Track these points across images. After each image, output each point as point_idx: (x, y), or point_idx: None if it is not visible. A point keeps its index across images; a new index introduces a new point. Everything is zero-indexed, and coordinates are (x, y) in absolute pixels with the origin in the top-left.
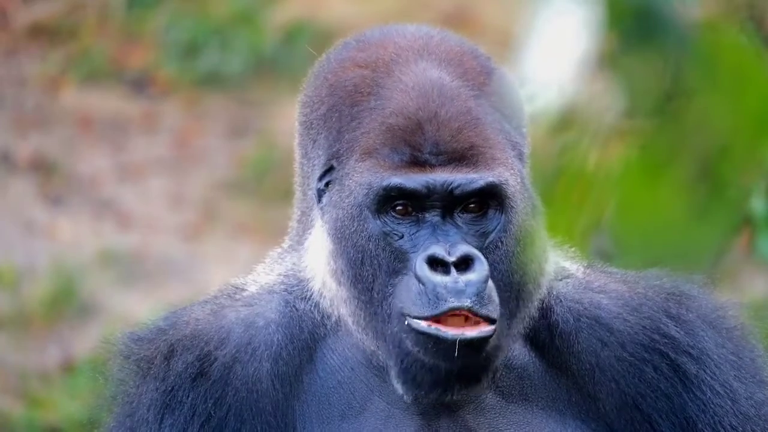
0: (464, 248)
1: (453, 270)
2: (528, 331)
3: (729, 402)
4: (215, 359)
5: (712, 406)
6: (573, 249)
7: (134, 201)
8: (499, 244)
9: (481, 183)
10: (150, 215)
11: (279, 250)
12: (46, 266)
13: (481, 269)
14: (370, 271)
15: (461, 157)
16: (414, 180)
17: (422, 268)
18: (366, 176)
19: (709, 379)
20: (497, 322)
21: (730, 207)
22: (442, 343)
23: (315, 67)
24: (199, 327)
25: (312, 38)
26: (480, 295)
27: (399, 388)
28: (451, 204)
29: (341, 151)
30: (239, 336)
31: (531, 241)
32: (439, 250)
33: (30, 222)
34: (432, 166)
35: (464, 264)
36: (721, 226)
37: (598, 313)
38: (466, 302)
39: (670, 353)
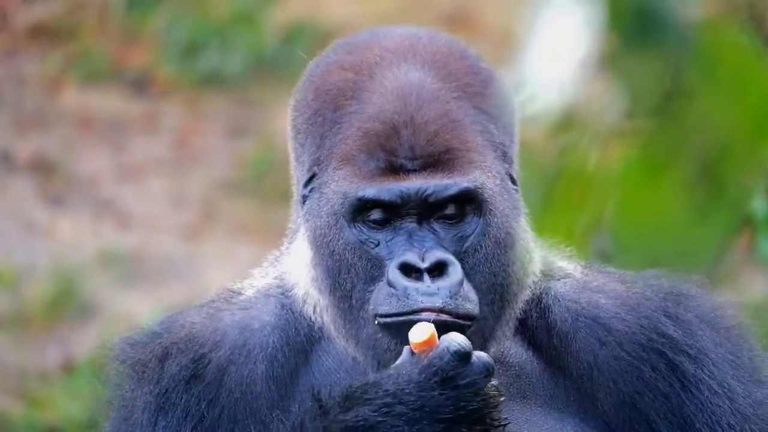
0: (438, 254)
1: (426, 276)
2: (526, 330)
3: (727, 401)
4: (209, 361)
5: (710, 405)
6: (571, 249)
7: (134, 201)
8: (478, 247)
9: (455, 189)
10: (150, 215)
11: (277, 252)
12: (46, 266)
13: (454, 274)
14: (348, 279)
15: (437, 162)
16: (388, 190)
17: (394, 274)
18: (342, 185)
19: (706, 378)
20: (477, 320)
21: (731, 207)
22: (396, 330)
23: (306, 69)
24: (194, 330)
25: (312, 38)
26: (453, 297)
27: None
28: (428, 210)
29: (322, 158)
30: (234, 338)
31: (512, 242)
32: (412, 257)
33: (30, 222)
34: (407, 172)
35: (437, 270)
36: (721, 227)
37: (596, 312)
38: (438, 302)
39: (668, 353)
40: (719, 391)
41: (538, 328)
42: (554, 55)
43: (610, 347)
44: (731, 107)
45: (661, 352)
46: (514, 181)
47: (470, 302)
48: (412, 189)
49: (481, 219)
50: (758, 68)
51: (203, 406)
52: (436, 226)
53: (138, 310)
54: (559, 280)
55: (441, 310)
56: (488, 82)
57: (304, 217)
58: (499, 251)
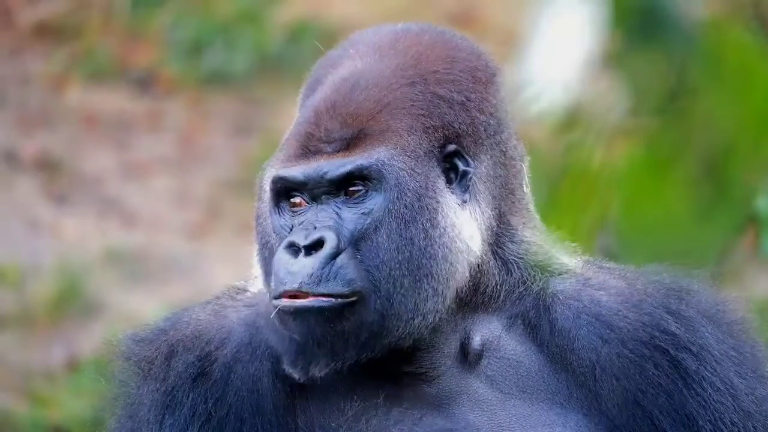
0: (318, 233)
1: (302, 254)
2: (525, 326)
3: (729, 398)
4: (216, 359)
5: (713, 402)
6: (573, 245)
7: (139, 200)
8: (379, 224)
9: (349, 167)
10: (154, 214)
11: None
12: (50, 265)
13: (324, 252)
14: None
15: (349, 144)
16: (294, 170)
17: (277, 254)
18: (269, 170)
19: (709, 375)
20: (354, 297)
21: (735, 206)
22: (285, 315)
23: None
24: (200, 327)
25: (316, 37)
26: (315, 275)
27: (288, 370)
28: (335, 189)
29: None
30: (240, 336)
31: (423, 219)
32: (298, 237)
33: (35, 221)
34: (323, 155)
35: (315, 247)
36: (726, 225)
37: (598, 310)
38: (295, 285)
39: (670, 350)
40: (722, 387)
41: (539, 325)
42: (558, 53)
43: (612, 345)
44: (736, 106)
45: (664, 350)
46: (466, 163)
47: (339, 279)
48: (312, 168)
49: (382, 195)
50: (763, 67)
51: (210, 405)
52: (341, 204)
53: (142, 308)
54: (559, 275)
55: (299, 291)
56: (464, 70)
57: None
58: (402, 226)
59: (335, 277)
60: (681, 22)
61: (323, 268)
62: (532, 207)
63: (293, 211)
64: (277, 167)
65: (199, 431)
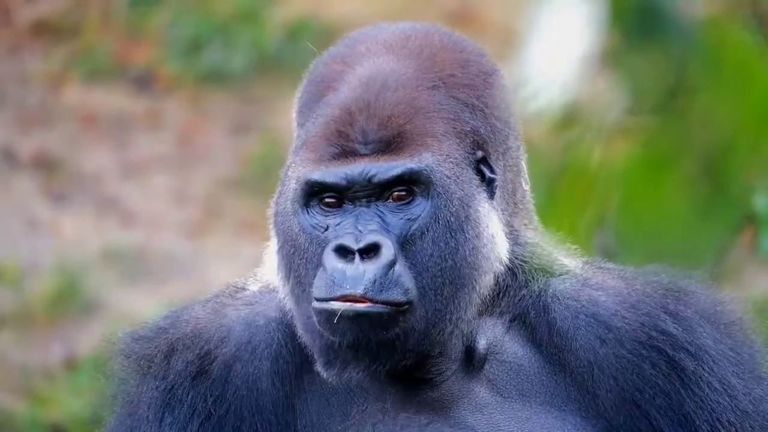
0: (372, 237)
1: (357, 258)
2: (524, 327)
3: (727, 398)
4: (215, 358)
5: (710, 402)
6: (572, 245)
7: (138, 198)
8: (426, 230)
9: (398, 170)
10: (153, 212)
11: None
12: (49, 263)
13: (384, 256)
14: (301, 264)
15: (388, 146)
16: (334, 174)
17: (328, 257)
18: (297, 170)
19: (706, 375)
20: (411, 304)
21: (734, 204)
22: (336, 318)
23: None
24: (200, 326)
25: (315, 36)
26: (378, 282)
27: (320, 371)
28: (377, 193)
29: (297, 147)
30: (239, 334)
31: (466, 227)
32: (348, 240)
33: (33, 219)
34: (360, 156)
35: (369, 252)
36: (724, 224)
37: (596, 310)
38: (359, 289)
39: (668, 350)
40: (719, 388)
41: (538, 325)
42: (557, 51)
43: (610, 345)
44: (734, 104)
45: (661, 350)
46: (491, 170)
47: (398, 287)
48: (356, 171)
49: (430, 201)
50: (761, 65)
51: (210, 403)
52: (384, 209)
53: (141, 307)
54: (559, 276)
55: (363, 296)
56: (478, 75)
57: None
58: (448, 234)
59: (396, 285)
60: (679, 20)
61: (386, 275)
62: (530, 205)
63: (326, 211)
64: (309, 168)
65: (199, 429)
